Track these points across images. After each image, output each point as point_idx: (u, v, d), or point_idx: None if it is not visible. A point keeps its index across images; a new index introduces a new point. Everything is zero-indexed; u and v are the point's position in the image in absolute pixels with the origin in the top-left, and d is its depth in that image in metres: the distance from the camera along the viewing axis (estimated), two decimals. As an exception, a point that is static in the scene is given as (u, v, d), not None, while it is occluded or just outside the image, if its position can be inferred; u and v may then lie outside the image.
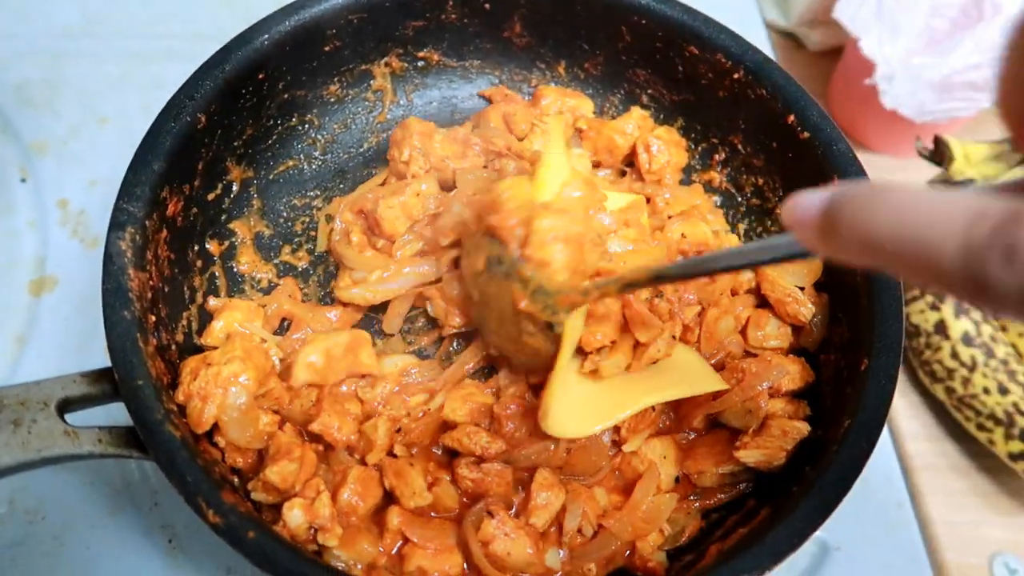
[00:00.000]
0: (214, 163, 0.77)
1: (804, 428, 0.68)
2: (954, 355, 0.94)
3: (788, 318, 0.76)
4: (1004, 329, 0.97)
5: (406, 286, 0.77)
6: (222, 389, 0.63)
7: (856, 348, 0.69)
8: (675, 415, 0.75)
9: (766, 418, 0.70)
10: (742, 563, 0.57)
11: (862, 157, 1.17)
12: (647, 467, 0.70)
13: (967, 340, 0.94)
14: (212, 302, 0.75)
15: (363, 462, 0.67)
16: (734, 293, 0.79)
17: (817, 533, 0.81)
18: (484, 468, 0.66)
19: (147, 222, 0.66)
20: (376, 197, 0.79)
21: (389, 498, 0.67)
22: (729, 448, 0.71)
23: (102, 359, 0.61)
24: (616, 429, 0.72)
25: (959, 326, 0.94)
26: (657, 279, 0.60)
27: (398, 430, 0.70)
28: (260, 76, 0.78)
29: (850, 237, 0.34)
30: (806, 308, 0.75)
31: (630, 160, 0.89)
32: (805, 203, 0.37)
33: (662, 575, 0.66)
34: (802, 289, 0.77)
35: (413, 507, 0.65)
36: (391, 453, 0.69)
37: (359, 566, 0.62)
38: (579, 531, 0.67)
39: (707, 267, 0.57)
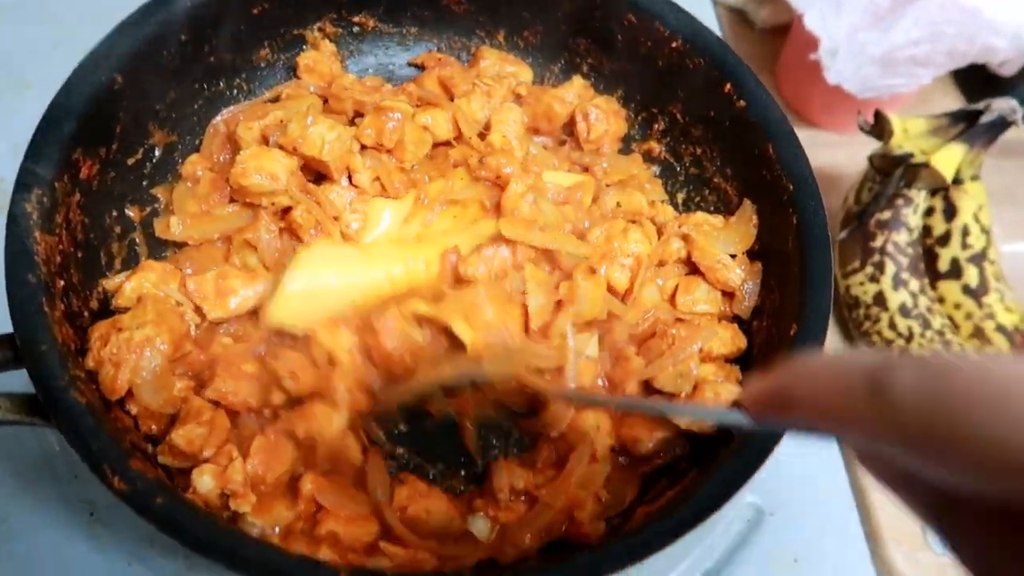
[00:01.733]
0: (134, 126, 0.74)
1: (735, 390, 0.68)
2: (892, 326, 0.95)
3: (718, 284, 0.76)
4: (941, 301, 0.98)
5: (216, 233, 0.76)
6: (135, 354, 0.61)
7: (786, 314, 0.70)
8: (608, 384, 0.74)
9: (699, 383, 0.70)
10: (665, 525, 0.57)
11: (809, 134, 1.18)
12: (580, 438, 0.70)
13: (904, 311, 0.95)
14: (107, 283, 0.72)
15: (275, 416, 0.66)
16: (662, 264, 0.78)
17: (751, 499, 0.83)
18: None
19: (56, 184, 0.63)
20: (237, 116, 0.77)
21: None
22: (658, 419, 0.70)
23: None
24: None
25: (897, 297, 0.95)
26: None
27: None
28: (182, 38, 0.75)
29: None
30: (735, 273, 0.75)
31: (569, 130, 0.88)
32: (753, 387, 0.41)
33: (594, 541, 0.66)
34: (733, 257, 0.77)
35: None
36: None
37: (276, 530, 0.60)
38: (510, 501, 0.67)
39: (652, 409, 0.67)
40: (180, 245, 0.77)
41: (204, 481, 0.59)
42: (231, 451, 0.61)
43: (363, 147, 0.77)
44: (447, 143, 0.81)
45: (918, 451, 0.31)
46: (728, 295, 0.77)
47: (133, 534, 0.73)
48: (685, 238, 0.78)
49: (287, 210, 0.75)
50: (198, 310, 0.71)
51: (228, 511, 0.60)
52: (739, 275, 0.75)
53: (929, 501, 0.37)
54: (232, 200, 0.77)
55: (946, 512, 0.37)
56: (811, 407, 0.35)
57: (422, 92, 0.82)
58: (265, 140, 0.78)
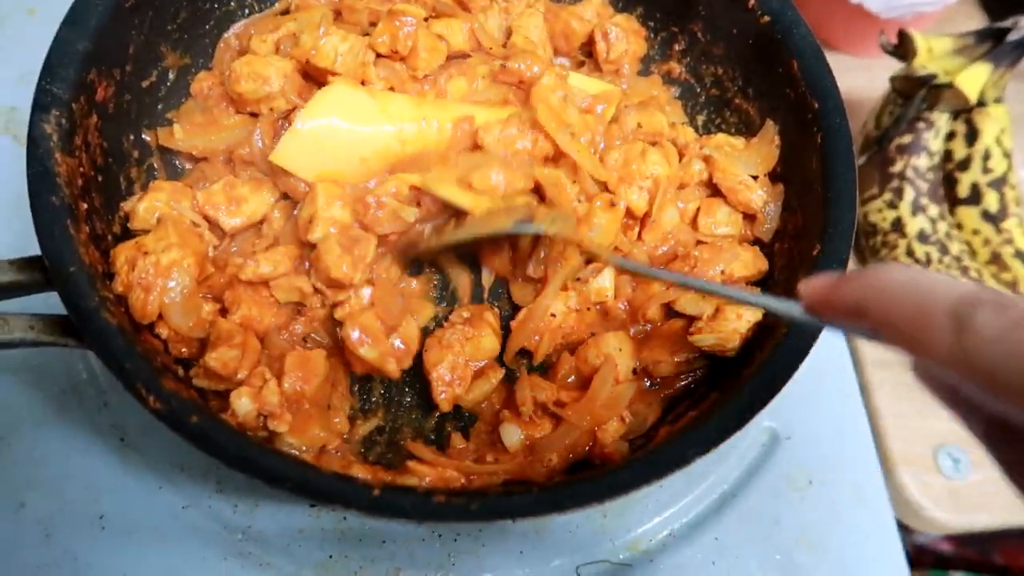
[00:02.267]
0: (147, 47, 0.72)
1: (757, 313, 0.68)
2: (910, 252, 0.95)
3: (740, 206, 0.75)
4: (959, 227, 0.97)
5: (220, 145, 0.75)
6: (163, 277, 0.61)
7: (808, 235, 0.69)
8: (629, 307, 0.75)
9: (720, 306, 0.70)
10: (688, 441, 0.58)
11: (828, 57, 1.16)
12: (604, 359, 0.70)
13: (923, 237, 0.94)
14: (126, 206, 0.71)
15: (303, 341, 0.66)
16: (683, 186, 0.77)
17: (768, 423, 0.84)
18: None
19: (74, 105, 0.62)
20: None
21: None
22: (684, 336, 0.71)
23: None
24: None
25: (915, 223, 0.95)
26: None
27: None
28: (193, -46, 0.73)
29: (861, 282, 0.39)
30: (757, 195, 0.74)
31: (588, 51, 0.86)
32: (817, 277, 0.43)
33: (617, 460, 0.67)
34: (755, 178, 0.76)
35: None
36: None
37: (310, 450, 0.61)
38: (535, 416, 0.68)
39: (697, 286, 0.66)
40: (194, 164, 0.76)
41: (242, 403, 0.60)
42: (264, 372, 0.62)
43: (377, 56, 0.76)
44: (463, 55, 0.80)
45: (991, 390, 0.33)
46: (749, 217, 0.76)
47: (163, 459, 0.74)
48: (706, 160, 0.77)
49: (288, 115, 0.74)
50: (216, 227, 0.71)
51: (264, 431, 0.61)
52: (761, 196, 0.74)
53: (989, 428, 0.40)
54: (237, 113, 0.76)
55: (1004, 439, 0.40)
56: (887, 325, 0.37)
57: (436, 3, 0.80)
58: (278, 50, 0.76)
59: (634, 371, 0.72)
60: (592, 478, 0.59)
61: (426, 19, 0.79)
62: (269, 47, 0.75)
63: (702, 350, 0.70)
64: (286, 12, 0.82)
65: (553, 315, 0.72)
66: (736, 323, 0.68)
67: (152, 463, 0.75)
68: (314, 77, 0.76)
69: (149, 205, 0.68)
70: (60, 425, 0.75)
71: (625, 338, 0.72)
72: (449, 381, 0.68)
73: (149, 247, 0.62)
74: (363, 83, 0.75)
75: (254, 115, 0.75)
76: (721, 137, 0.79)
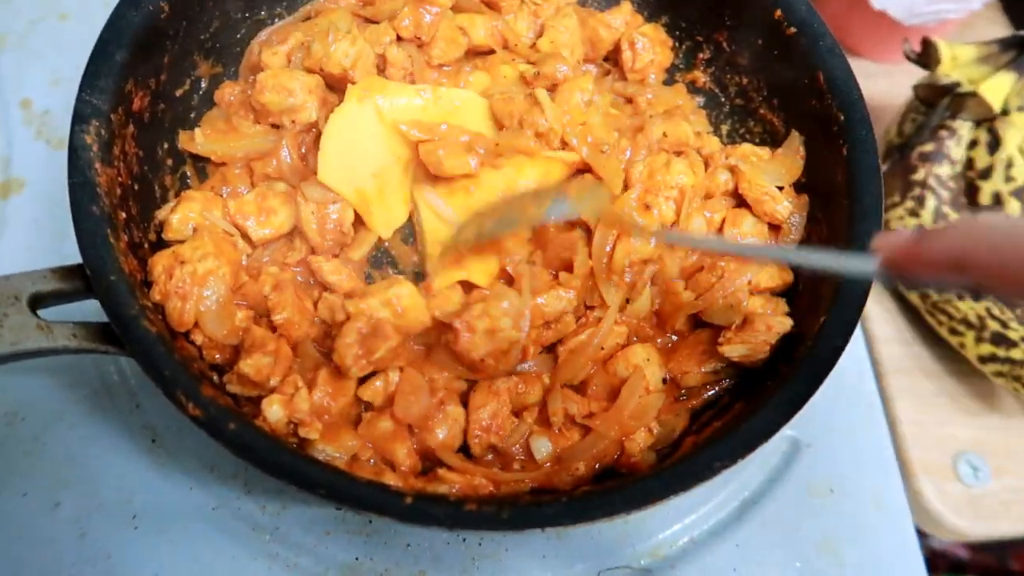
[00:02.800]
0: (181, 57, 0.74)
1: (787, 322, 0.69)
2: (930, 260, 0.95)
3: (765, 216, 0.76)
4: (981, 235, 0.97)
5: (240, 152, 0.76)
6: (199, 286, 0.63)
7: (833, 247, 0.70)
8: (657, 318, 0.75)
9: (748, 316, 0.71)
10: (715, 453, 0.59)
11: (850, 63, 1.15)
12: (633, 370, 0.71)
13: (944, 246, 0.94)
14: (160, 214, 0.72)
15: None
16: (709, 196, 0.78)
17: (789, 431, 0.84)
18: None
19: (112, 116, 0.63)
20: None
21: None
22: (711, 347, 0.71)
23: (75, 260, 0.59)
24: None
25: (937, 232, 0.95)
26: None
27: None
28: (226, -35, 0.74)
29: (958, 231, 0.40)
30: (782, 205, 0.75)
31: (614, 59, 0.87)
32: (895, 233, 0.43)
33: (644, 470, 0.68)
34: (781, 189, 0.76)
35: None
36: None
37: (342, 457, 0.63)
38: (564, 428, 0.69)
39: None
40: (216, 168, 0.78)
41: (274, 410, 0.61)
42: (296, 380, 0.63)
43: (399, 39, 0.77)
44: (487, 51, 0.81)
45: None
46: (775, 228, 0.77)
47: (194, 460, 0.76)
48: (732, 170, 0.78)
49: (311, 128, 0.76)
50: (246, 237, 0.72)
51: (295, 438, 0.62)
52: (786, 207, 0.75)
53: None
54: (257, 123, 0.77)
55: None
56: (995, 275, 0.37)
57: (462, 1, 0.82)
58: (289, 63, 0.78)
59: (663, 381, 0.73)
60: (620, 488, 0.60)
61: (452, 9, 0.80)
62: (281, 59, 0.77)
63: (731, 360, 0.70)
64: (309, 18, 0.83)
65: (602, 348, 0.72)
66: (766, 334, 0.69)
67: (183, 464, 0.76)
68: (333, 84, 0.77)
69: (183, 216, 0.69)
70: (93, 426, 0.77)
71: (653, 350, 0.73)
72: (487, 427, 0.67)
73: (186, 256, 0.63)
74: (383, 70, 0.78)
75: (275, 126, 0.76)
76: (747, 147, 0.79)
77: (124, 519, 0.73)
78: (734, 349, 0.69)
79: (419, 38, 0.78)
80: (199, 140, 0.75)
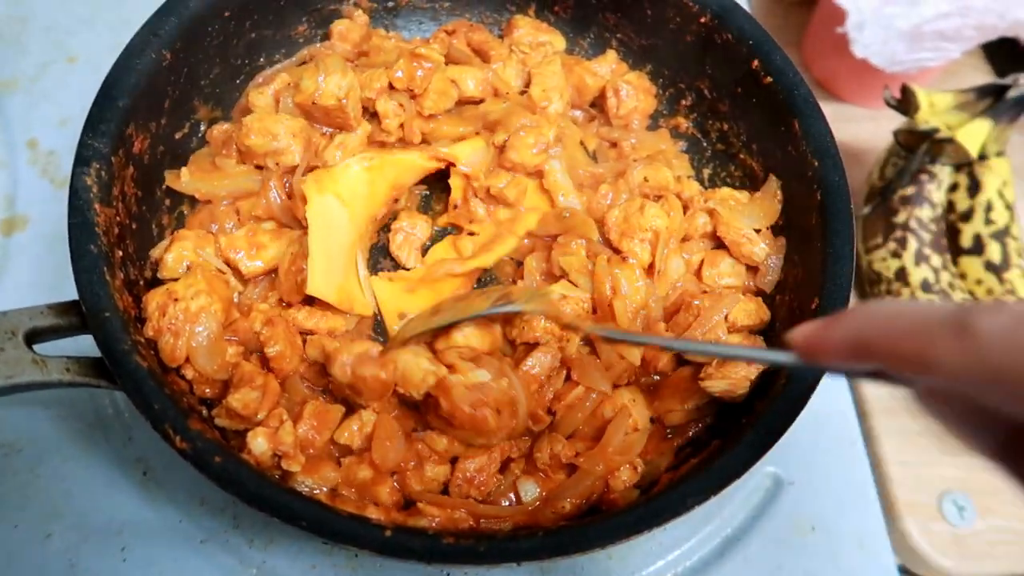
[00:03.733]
0: (181, 101, 0.77)
1: None
2: (913, 301, 0.97)
3: (743, 258, 0.78)
4: (962, 276, 0.99)
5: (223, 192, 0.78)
6: (191, 323, 0.65)
7: (808, 289, 0.72)
8: (641, 361, 0.76)
9: None
10: (688, 489, 0.60)
11: (835, 108, 1.19)
12: (618, 409, 0.72)
13: (926, 287, 0.96)
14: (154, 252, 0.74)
15: (325, 391, 0.69)
16: (687, 239, 0.80)
17: (772, 468, 0.86)
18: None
19: (113, 158, 0.66)
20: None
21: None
22: (693, 384, 0.72)
23: (74, 296, 0.61)
24: None
25: (919, 273, 0.97)
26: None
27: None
28: (226, 14, 0.78)
29: (858, 319, 0.40)
30: (759, 248, 0.77)
31: (599, 104, 0.90)
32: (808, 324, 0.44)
33: (622, 506, 0.69)
34: (758, 231, 0.78)
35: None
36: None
37: (323, 489, 0.64)
38: (550, 470, 0.70)
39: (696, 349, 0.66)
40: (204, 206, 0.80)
41: (258, 443, 0.62)
42: (282, 414, 0.65)
43: (391, 87, 0.80)
44: (476, 101, 0.84)
45: (1006, 387, 0.34)
46: (752, 269, 0.79)
47: (184, 493, 0.77)
48: (710, 213, 0.80)
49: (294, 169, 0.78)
50: (237, 272, 0.75)
51: (278, 470, 0.64)
52: (763, 249, 0.77)
53: (1004, 439, 0.40)
54: (242, 163, 0.80)
55: (1019, 449, 0.39)
56: (890, 354, 0.38)
57: (453, 51, 0.85)
58: (277, 103, 0.81)
59: (651, 420, 0.74)
60: (595, 523, 0.61)
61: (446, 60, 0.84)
62: (268, 100, 0.79)
63: (713, 396, 0.72)
64: (304, 63, 0.86)
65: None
66: (746, 370, 0.70)
67: (173, 497, 0.77)
68: (326, 122, 0.80)
69: (177, 254, 0.71)
70: (86, 458, 0.79)
71: (637, 391, 0.74)
72: (470, 479, 0.68)
73: (179, 294, 0.66)
74: (379, 118, 0.80)
75: (259, 167, 0.78)
76: (725, 191, 0.82)
77: (113, 551, 0.74)
78: (716, 384, 0.70)
79: (411, 90, 0.81)
80: (184, 179, 0.77)
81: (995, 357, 0.33)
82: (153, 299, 0.66)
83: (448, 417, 0.66)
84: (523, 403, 0.69)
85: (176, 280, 0.69)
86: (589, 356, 0.75)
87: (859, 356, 0.39)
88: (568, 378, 0.74)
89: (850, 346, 0.40)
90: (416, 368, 0.66)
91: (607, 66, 0.89)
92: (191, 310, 0.65)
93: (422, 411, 0.69)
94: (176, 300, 0.65)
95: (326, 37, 0.89)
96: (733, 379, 0.70)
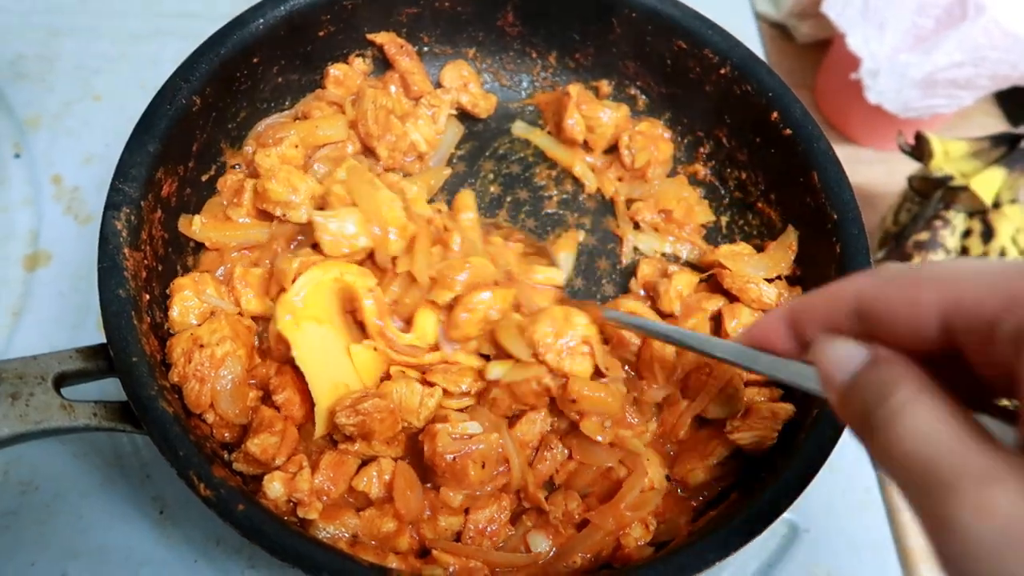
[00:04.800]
0: (208, 145, 0.78)
1: (790, 408, 0.70)
2: (927, 347, 0.97)
3: (755, 304, 0.78)
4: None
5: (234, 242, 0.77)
6: (216, 369, 0.65)
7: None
8: (662, 430, 0.76)
9: (750, 405, 0.72)
10: (708, 545, 0.60)
11: (848, 151, 1.20)
12: (635, 467, 0.71)
13: (939, 333, 0.97)
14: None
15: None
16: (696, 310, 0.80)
17: (788, 516, 0.85)
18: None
19: (142, 203, 0.67)
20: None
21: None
22: (713, 442, 0.72)
23: (95, 332, 0.62)
24: None
25: (932, 319, 0.97)
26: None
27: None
28: (255, 60, 0.79)
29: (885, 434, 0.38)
30: (768, 289, 0.77)
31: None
32: (844, 353, 0.42)
33: (636, 560, 0.68)
34: (771, 281, 0.79)
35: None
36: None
37: (345, 534, 0.64)
38: (562, 526, 0.70)
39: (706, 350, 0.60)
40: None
41: (274, 487, 0.63)
42: (301, 460, 0.65)
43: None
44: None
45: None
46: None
47: (200, 533, 0.77)
48: (718, 266, 0.81)
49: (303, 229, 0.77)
50: (238, 306, 0.74)
51: (294, 517, 0.64)
52: (773, 290, 0.78)
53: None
54: (255, 213, 0.78)
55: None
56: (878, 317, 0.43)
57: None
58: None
59: (668, 478, 0.73)
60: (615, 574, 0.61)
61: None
62: (274, 161, 0.78)
63: (737, 447, 0.71)
64: (299, 116, 0.87)
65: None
66: (772, 420, 0.70)
67: (189, 536, 0.77)
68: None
69: (181, 307, 0.70)
70: (104, 496, 0.79)
71: (651, 451, 0.74)
72: (481, 530, 0.68)
73: (204, 340, 0.66)
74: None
75: (265, 213, 0.77)
76: (726, 248, 0.84)
77: (129, 591, 0.74)
78: (743, 436, 0.70)
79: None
80: (196, 227, 0.75)
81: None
82: (178, 345, 0.67)
83: (429, 463, 0.67)
84: (516, 460, 0.69)
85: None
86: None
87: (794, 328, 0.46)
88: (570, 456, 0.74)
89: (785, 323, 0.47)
90: (411, 393, 0.68)
91: (612, 113, 0.89)
92: (216, 356, 0.66)
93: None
94: (201, 347, 0.66)
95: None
96: (760, 431, 0.70)
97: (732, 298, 0.80)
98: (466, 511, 0.68)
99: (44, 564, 0.75)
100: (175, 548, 0.77)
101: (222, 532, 0.78)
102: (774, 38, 1.31)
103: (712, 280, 0.82)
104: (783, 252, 0.80)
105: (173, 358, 0.66)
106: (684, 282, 0.81)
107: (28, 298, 0.88)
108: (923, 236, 1.00)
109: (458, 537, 0.68)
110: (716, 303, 0.79)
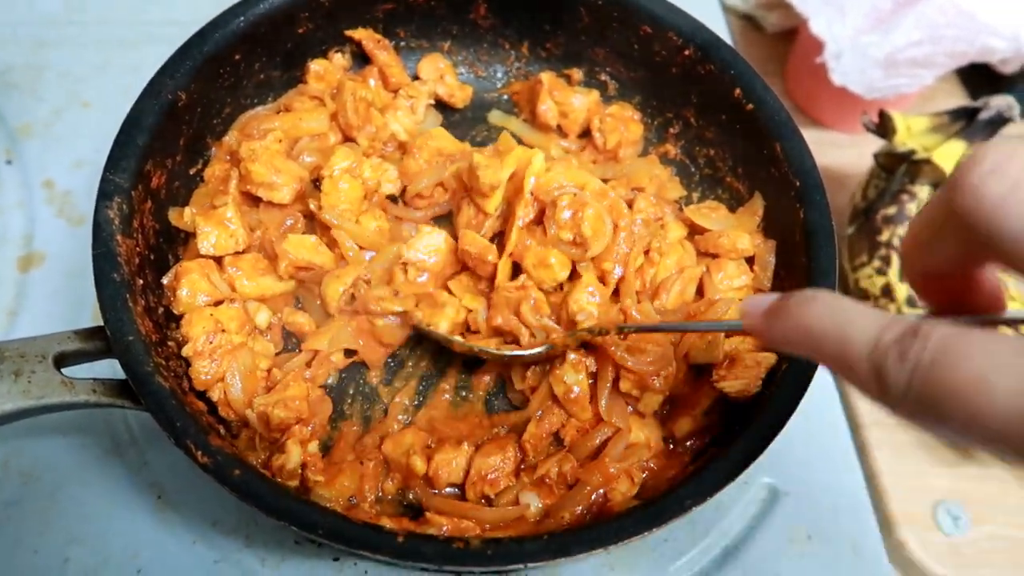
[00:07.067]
0: (195, 139, 0.81)
1: (772, 357, 0.73)
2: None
3: (733, 253, 0.82)
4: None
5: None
6: (230, 356, 0.70)
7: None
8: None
9: (735, 354, 0.75)
10: (686, 493, 0.63)
11: (818, 134, 1.23)
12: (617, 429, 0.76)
13: (911, 302, 1.00)
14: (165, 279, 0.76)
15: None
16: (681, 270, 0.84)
17: (768, 479, 0.88)
18: None
19: (133, 192, 0.70)
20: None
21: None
22: (700, 392, 0.76)
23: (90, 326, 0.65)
24: None
25: (904, 289, 1.00)
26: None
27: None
28: (237, 57, 0.82)
29: (788, 323, 0.44)
30: (742, 238, 0.82)
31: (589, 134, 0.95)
32: (758, 300, 0.48)
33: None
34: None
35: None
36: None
37: (339, 501, 0.67)
38: (555, 484, 0.73)
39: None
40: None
41: (295, 452, 0.67)
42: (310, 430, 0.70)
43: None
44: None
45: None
46: (751, 261, 0.84)
47: (197, 515, 0.79)
48: (689, 224, 0.86)
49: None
50: (233, 290, 0.77)
51: (295, 480, 0.67)
52: (745, 237, 0.82)
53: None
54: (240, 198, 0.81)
55: None
56: (819, 358, 0.43)
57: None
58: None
59: (664, 439, 0.77)
60: (597, 525, 0.64)
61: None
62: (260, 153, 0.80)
63: (726, 397, 0.74)
64: (281, 109, 0.90)
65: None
66: (756, 368, 0.73)
67: (187, 519, 0.80)
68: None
69: (191, 288, 0.73)
70: (103, 483, 0.81)
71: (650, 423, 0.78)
72: (484, 475, 0.73)
73: (225, 324, 0.71)
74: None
75: (251, 198, 0.80)
76: (692, 207, 0.88)
77: (130, 573, 0.76)
78: (731, 384, 0.72)
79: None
80: (187, 217, 0.78)
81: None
82: (198, 323, 0.70)
83: None
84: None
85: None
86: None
87: (796, 348, 0.44)
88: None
89: (785, 344, 0.45)
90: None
91: (583, 101, 0.93)
92: (235, 342, 0.70)
93: None
94: (223, 331, 0.70)
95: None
96: (745, 379, 0.73)
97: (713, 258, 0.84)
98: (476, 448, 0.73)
99: (46, 551, 0.77)
100: (173, 531, 0.79)
101: (219, 514, 0.80)
102: (743, 29, 1.35)
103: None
104: (749, 216, 0.84)
105: (191, 335, 0.70)
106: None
107: (23, 298, 0.90)
108: (891, 210, 1.04)
109: (460, 489, 0.72)
110: (700, 268, 0.83)
